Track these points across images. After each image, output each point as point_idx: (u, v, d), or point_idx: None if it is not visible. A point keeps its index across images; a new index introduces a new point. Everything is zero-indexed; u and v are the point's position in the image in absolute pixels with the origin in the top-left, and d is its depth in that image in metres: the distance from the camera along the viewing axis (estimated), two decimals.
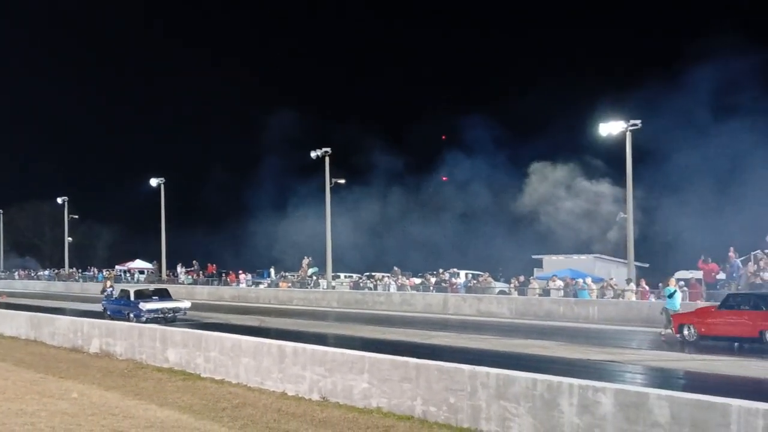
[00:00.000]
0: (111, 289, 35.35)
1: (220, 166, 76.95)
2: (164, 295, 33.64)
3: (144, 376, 19.15)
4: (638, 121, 33.77)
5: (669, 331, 23.41)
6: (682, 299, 27.00)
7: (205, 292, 50.22)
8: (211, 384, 17.77)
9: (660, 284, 34.14)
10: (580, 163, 53.58)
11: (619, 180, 43.22)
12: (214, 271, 59.11)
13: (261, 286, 51.39)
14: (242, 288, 51.13)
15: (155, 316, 30.84)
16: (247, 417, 13.93)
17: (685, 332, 22.58)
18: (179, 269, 61.94)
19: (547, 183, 55.08)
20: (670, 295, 24.19)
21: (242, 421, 13.61)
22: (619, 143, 35.01)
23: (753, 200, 41.73)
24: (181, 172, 71.38)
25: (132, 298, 32.47)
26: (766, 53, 44.42)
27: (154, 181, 60.59)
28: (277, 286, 49.64)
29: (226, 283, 53.21)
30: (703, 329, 22.16)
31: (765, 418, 8.99)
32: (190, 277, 58.86)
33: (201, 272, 59.63)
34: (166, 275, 61.41)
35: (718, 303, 22.95)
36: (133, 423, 13.49)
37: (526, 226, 54.76)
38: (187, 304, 33.16)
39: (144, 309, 31.09)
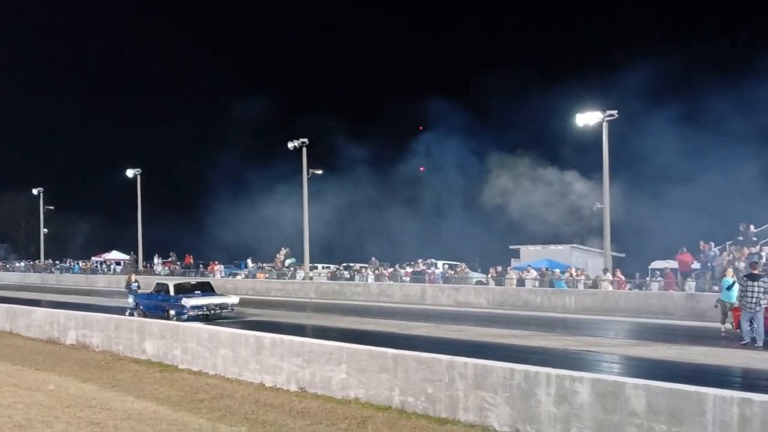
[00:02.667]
0: (136, 283, 31.69)
1: (196, 157, 76.72)
2: (207, 289, 30.50)
3: (121, 368, 19.09)
4: (614, 111, 33.91)
5: (729, 325, 21.36)
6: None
7: None
8: (188, 375, 17.74)
9: (637, 273, 34.50)
10: (552, 153, 54.07)
11: (592, 170, 43.73)
12: (191, 262, 58.96)
13: (238, 277, 51.28)
14: (219, 279, 50.98)
15: (199, 312, 28.08)
16: (225, 408, 13.92)
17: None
18: (156, 260, 61.77)
19: (516, 173, 55.45)
20: (729, 287, 21.68)
21: (220, 412, 13.60)
22: (594, 133, 35.22)
23: (722, 192, 42.25)
24: (158, 163, 71.12)
25: (172, 292, 29.27)
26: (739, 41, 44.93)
27: (130, 172, 60.48)
28: (254, 276, 49.56)
29: (204, 274, 52.99)
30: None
31: (740, 407, 9.08)
32: (167, 268, 58.66)
33: (178, 263, 59.46)
34: (143, 266, 61.19)
35: None
36: (111, 415, 13.45)
37: (500, 215, 55.07)
38: (234, 299, 30.22)
39: (188, 305, 28.13)
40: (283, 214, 56.52)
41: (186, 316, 27.41)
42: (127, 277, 33.56)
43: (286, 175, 54.41)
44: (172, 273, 55.43)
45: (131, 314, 28.66)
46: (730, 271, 23.04)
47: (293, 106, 74.75)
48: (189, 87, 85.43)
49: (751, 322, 19.84)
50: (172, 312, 28.29)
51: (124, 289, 32.14)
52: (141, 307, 30.21)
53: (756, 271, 20.71)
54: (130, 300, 30.72)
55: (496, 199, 54.95)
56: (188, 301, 28.32)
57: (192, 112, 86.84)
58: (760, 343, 19.36)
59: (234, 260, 59.07)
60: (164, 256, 61.86)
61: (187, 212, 73.68)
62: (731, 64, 45.32)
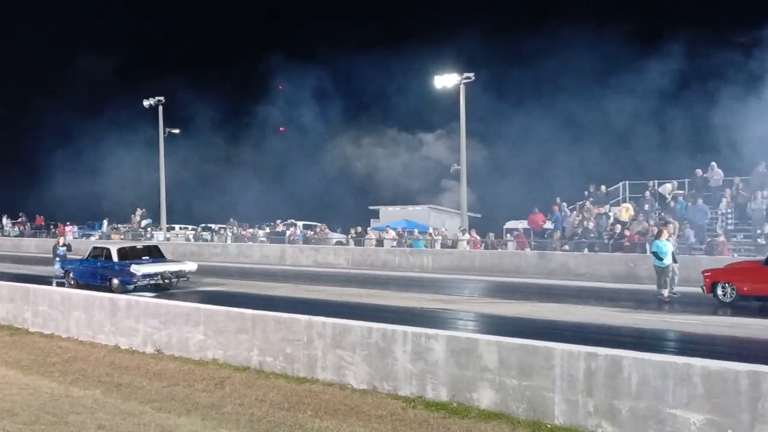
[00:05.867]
0: (65, 247, 28.62)
1: (44, 115, 73.57)
2: (157, 254, 26.53)
3: None
4: (471, 74, 34.40)
5: (666, 291, 20.00)
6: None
7: (33, 245, 48.50)
8: (40, 338, 17.33)
9: (491, 234, 35.32)
10: (399, 113, 54.93)
11: (441, 131, 44.63)
12: (42, 223, 57.08)
13: (92, 238, 49.92)
14: (73, 240, 49.48)
15: (150, 282, 24.48)
16: (79, 371, 13.66)
17: (719, 291, 19.09)
18: (5, 221, 59.45)
19: (361, 134, 56.31)
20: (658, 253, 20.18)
21: (73, 375, 13.33)
22: (452, 96, 35.74)
23: (574, 154, 43.72)
24: (5, 118, 68.00)
25: (115, 258, 25.16)
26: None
27: None
28: (108, 238, 48.35)
29: (55, 236, 51.31)
30: (745, 288, 18.78)
31: (586, 360, 9.48)
32: (16, 228, 56.65)
33: (28, 224, 57.47)
34: None
35: (763, 259, 19.13)
36: None
37: (354, 176, 55.59)
38: (192, 266, 25.98)
39: (139, 273, 24.14)
40: (135, 173, 55.25)
41: (133, 286, 24.15)
42: (55, 240, 30.17)
43: (138, 134, 53.35)
44: (22, 234, 53.58)
45: (60, 284, 25.47)
46: (665, 232, 20.78)
47: (145, 63, 72.32)
48: (35, 41, 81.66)
49: None
50: (115, 281, 24.61)
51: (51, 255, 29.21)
52: (72, 275, 26.48)
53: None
54: (57, 267, 27.85)
55: (345, 160, 55.56)
56: (138, 269, 24.38)
57: (37, 67, 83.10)
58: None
59: (88, 221, 57.45)
60: (14, 216, 59.57)
61: (34, 172, 70.63)
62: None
